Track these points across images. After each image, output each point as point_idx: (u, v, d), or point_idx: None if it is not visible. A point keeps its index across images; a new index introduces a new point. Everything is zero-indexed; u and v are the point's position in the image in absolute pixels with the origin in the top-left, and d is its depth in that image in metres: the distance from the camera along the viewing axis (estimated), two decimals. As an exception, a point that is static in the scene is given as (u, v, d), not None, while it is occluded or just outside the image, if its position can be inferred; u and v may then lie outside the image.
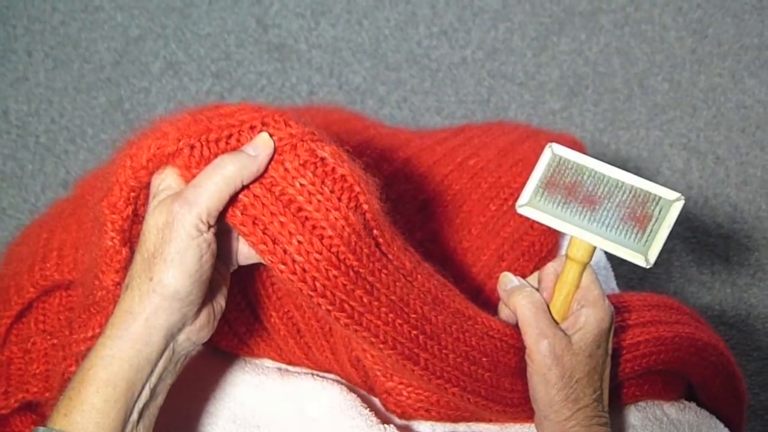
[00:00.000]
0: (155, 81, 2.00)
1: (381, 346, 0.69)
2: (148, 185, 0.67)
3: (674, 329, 0.86)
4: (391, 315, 0.69)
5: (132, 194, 0.67)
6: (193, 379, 0.81)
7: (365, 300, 0.67)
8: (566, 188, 0.75)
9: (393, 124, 1.87)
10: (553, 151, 0.76)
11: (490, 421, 0.84)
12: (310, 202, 0.65)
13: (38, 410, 0.82)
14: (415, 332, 0.71)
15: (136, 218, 0.68)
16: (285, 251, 0.64)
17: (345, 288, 0.66)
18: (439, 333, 0.72)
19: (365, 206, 0.67)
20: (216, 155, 0.65)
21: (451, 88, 2.03)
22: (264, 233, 0.64)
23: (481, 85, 2.03)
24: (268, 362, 0.87)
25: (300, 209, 0.65)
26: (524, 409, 0.80)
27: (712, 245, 1.81)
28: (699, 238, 1.82)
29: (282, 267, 0.64)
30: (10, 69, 2.00)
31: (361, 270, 0.66)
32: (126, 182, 0.66)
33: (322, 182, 0.65)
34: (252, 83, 2.01)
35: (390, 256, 0.70)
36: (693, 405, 0.92)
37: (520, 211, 0.76)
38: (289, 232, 0.64)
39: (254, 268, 0.69)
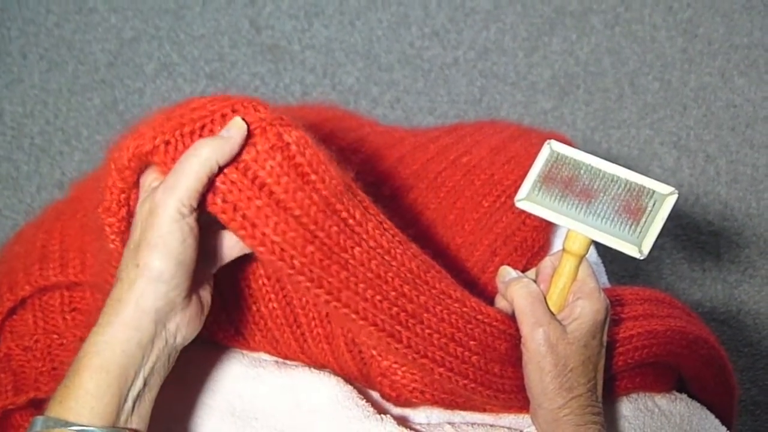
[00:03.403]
0: (149, 82, 2.00)
1: (361, 322, 0.71)
2: (136, 185, 0.69)
3: (666, 323, 0.87)
4: (369, 291, 0.71)
5: (122, 196, 0.69)
6: (191, 371, 0.82)
7: (342, 276, 0.69)
8: (563, 182, 0.76)
9: (386, 123, 1.88)
10: (551, 147, 0.77)
11: (484, 410, 0.85)
12: (279, 183, 0.67)
13: (41, 406, 0.83)
14: (395, 309, 0.72)
15: (132, 219, 0.70)
16: (264, 234, 0.66)
17: (321, 263, 0.68)
18: (421, 312, 0.74)
19: (324, 192, 0.69)
20: None
21: (444, 88, 2.04)
22: (243, 218, 0.66)
23: (473, 85, 2.04)
24: (264, 355, 0.87)
25: (272, 192, 0.67)
26: (517, 398, 0.81)
27: (703, 243, 1.83)
28: (690, 235, 1.83)
29: (261, 249, 0.66)
30: (5, 71, 2.00)
31: (333, 247, 0.69)
32: (114, 185, 0.68)
33: (288, 164, 0.68)
34: (246, 84, 2.01)
35: (364, 235, 0.72)
36: (684, 396, 0.93)
37: (519, 204, 0.77)
38: (266, 215, 0.66)
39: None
